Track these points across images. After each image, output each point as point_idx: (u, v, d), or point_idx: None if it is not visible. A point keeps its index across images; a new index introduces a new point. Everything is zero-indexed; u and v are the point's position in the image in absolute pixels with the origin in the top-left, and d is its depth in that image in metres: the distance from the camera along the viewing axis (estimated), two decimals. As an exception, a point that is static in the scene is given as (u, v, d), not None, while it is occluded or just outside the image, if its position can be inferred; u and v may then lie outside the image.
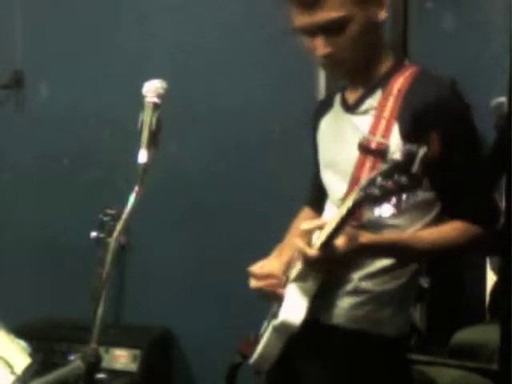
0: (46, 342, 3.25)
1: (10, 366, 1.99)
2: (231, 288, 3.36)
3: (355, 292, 1.92)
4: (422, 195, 1.86)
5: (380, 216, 1.69)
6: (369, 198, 1.59)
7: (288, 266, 2.05)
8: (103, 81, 3.54)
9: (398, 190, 1.54)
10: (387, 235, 1.87)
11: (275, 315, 1.96)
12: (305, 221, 2.13)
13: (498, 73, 2.77)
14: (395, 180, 1.53)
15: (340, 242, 1.76)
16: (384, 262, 1.90)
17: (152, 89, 1.76)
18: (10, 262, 3.66)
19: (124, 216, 1.66)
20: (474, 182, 1.86)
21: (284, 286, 1.99)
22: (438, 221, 1.90)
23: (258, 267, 2.07)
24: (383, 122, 1.86)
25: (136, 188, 1.67)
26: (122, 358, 3.23)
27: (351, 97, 2.00)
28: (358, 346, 1.91)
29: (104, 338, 1.63)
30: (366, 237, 1.80)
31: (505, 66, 2.22)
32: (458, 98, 1.88)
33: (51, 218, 3.63)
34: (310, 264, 1.82)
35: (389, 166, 1.55)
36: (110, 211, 3.33)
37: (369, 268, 1.91)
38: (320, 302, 1.91)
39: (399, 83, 1.88)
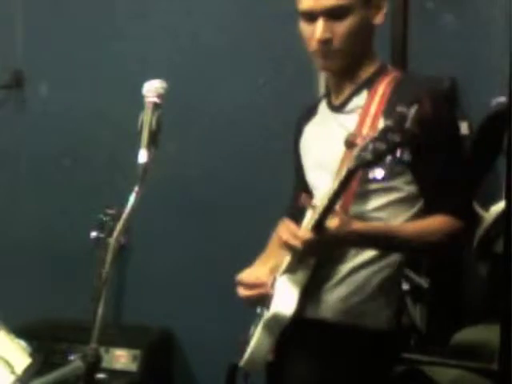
0: (46, 342, 3.25)
1: (11, 366, 1.99)
2: (231, 288, 3.35)
3: (342, 285, 1.94)
4: (406, 190, 1.92)
5: (373, 179, 1.75)
6: (362, 164, 1.62)
7: (275, 270, 2.05)
8: (103, 81, 3.54)
9: (390, 149, 1.57)
10: (376, 224, 1.91)
11: (264, 315, 1.96)
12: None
13: (497, 73, 2.77)
14: (388, 140, 1.56)
15: (332, 223, 1.78)
16: (368, 254, 1.94)
17: (152, 89, 1.76)
18: (10, 262, 3.66)
19: (124, 216, 1.66)
20: (455, 180, 1.93)
21: (272, 286, 1.99)
22: (420, 216, 1.95)
23: (245, 275, 2.07)
24: (369, 120, 1.91)
25: (136, 188, 1.67)
26: (121, 358, 3.23)
27: (337, 99, 2.05)
28: (345, 339, 1.93)
29: (104, 337, 1.63)
30: (357, 224, 1.84)
31: (505, 66, 2.22)
32: (442, 98, 1.95)
33: (51, 218, 3.63)
34: (304, 246, 1.82)
35: (380, 130, 1.58)
36: (110, 211, 3.33)
37: (354, 261, 1.94)
38: (307, 297, 1.93)
39: (384, 85, 1.95)
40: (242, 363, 2.06)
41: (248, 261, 3.28)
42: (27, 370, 2.03)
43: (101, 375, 1.67)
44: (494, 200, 2.66)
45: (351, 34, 1.92)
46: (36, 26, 3.65)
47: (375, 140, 1.59)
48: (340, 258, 1.94)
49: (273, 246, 2.22)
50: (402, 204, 1.93)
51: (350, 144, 1.81)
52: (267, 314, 1.93)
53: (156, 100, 1.74)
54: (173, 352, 3.50)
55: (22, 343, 2.16)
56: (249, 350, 2.01)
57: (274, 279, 1.99)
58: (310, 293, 1.93)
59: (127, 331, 3.42)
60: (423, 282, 2.75)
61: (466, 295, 2.94)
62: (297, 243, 1.81)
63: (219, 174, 3.41)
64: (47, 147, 3.64)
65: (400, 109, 1.58)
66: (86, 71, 3.57)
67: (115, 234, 1.67)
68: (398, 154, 1.57)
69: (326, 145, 2.03)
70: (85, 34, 3.57)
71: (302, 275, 1.91)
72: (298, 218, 2.10)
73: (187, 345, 3.49)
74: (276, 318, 1.91)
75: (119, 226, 1.66)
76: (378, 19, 1.98)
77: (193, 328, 3.43)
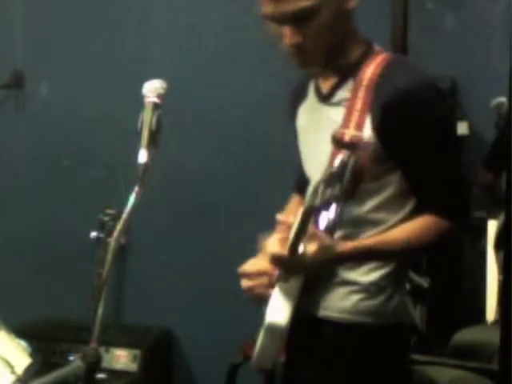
0: (46, 342, 3.25)
1: (11, 366, 1.99)
2: (231, 288, 3.35)
3: (342, 283, 1.92)
4: (400, 186, 1.88)
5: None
6: (313, 208, 1.63)
7: None
8: (103, 81, 3.54)
9: (333, 200, 1.58)
10: (362, 241, 1.87)
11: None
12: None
13: (497, 73, 2.77)
14: (331, 190, 1.57)
15: (311, 248, 1.76)
16: None
17: (152, 89, 1.75)
18: (10, 262, 3.66)
19: (124, 216, 1.66)
20: (442, 179, 1.86)
21: (273, 284, 1.98)
22: (415, 212, 1.90)
23: (247, 265, 2.05)
24: (356, 114, 1.84)
25: (136, 188, 1.67)
26: (122, 358, 3.23)
27: (324, 85, 1.97)
28: (348, 336, 1.92)
29: (104, 337, 1.63)
30: (343, 246, 1.81)
31: (505, 66, 2.22)
32: (429, 88, 1.85)
33: (51, 218, 3.63)
34: (282, 266, 1.82)
35: (326, 175, 1.60)
36: (110, 211, 3.33)
37: None
38: (308, 296, 1.91)
39: (370, 71, 1.86)
40: (252, 362, 2.05)
41: (248, 260, 3.26)
42: (27, 370, 2.03)
43: (101, 375, 1.66)
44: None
45: (322, 33, 1.82)
46: (36, 26, 3.65)
47: (324, 183, 1.59)
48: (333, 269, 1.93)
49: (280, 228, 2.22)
50: (398, 201, 1.89)
51: (336, 142, 1.74)
52: (264, 322, 1.93)
53: (156, 100, 1.74)
54: (173, 352, 3.50)
55: (22, 343, 2.16)
56: (256, 350, 2.00)
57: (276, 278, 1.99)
58: (312, 292, 1.92)
59: (127, 331, 3.42)
60: (423, 282, 2.76)
61: (466, 295, 2.94)
62: (276, 264, 1.81)
63: (219, 174, 3.41)
64: (47, 147, 3.64)
65: (342, 156, 1.57)
66: (86, 71, 3.57)
67: (115, 234, 1.66)
68: (338, 206, 1.60)
69: (314, 139, 1.99)
70: (85, 34, 3.57)
71: (294, 283, 1.89)
72: (303, 191, 2.10)
73: (187, 345, 3.49)
74: (272, 327, 1.90)
75: (119, 226, 1.66)
76: (351, 3, 1.84)
77: (193, 328, 3.43)
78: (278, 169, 3.31)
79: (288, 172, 3.14)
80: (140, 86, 1.77)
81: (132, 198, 1.66)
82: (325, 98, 1.97)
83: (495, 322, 2.82)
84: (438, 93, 1.88)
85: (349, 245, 1.84)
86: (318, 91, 2.00)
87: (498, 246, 2.82)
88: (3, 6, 3.67)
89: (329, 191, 1.56)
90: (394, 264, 1.93)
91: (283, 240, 1.80)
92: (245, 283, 2.02)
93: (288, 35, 1.83)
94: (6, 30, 3.67)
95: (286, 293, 1.89)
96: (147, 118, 1.73)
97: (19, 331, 2.28)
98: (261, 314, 2.05)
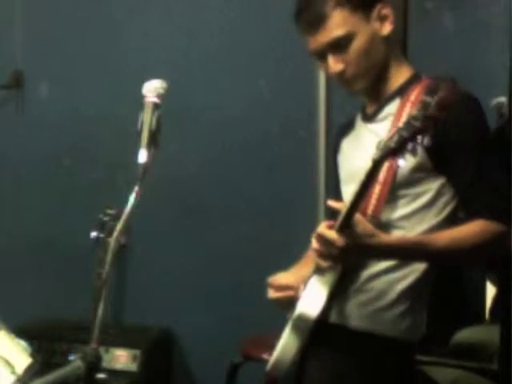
0: (47, 342, 3.25)
1: (11, 366, 1.99)
2: (231, 288, 3.36)
3: (362, 291, 1.93)
4: (433, 196, 1.90)
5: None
6: (386, 153, 1.63)
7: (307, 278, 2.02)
8: (103, 81, 3.54)
9: (412, 135, 1.59)
10: (408, 236, 1.88)
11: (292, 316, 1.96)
12: None
13: (498, 73, 2.77)
14: (410, 127, 1.59)
15: (358, 229, 1.73)
16: (390, 261, 1.90)
17: (152, 89, 1.76)
18: (11, 262, 3.66)
19: (124, 216, 1.66)
20: (491, 181, 1.87)
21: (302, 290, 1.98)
22: (447, 224, 1.90)
23: (276, 277, 2.07)
24: None
25: (136, 188, 1.67)
26: (122, 358, 3.23)
27: (370, 109, 2.05)
28: (363, 345, 1.92)
29: (104, 337, 1.63)
30: (389, 237, 1.81)
31: (505, 66, 2.22)
32: (469, 101, 1.90)
33: (51, 218, 3.64)
34: (329, 249, 1.76)
35: (405, 120, 1.62)
36: (110, 211, 3.33)
37: (375, 267, 1.92)
38: (332, 301, 1.92)
39: (417, 92, 1.93)
40: (267, 368, 2.03)
41: (248, 260, 3.28)
42: (27, 370, 2.03)
43: (101, 375, 1.67)
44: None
45: (361, 57, 1.94)
46: (36, 26, 3.65)
47: (400, 130, 1.61)
48: (361, 264, 1.92)
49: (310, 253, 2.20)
50: (427, 211, 1.91)
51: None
52: (294, 314, 1.92)
53: (156, 100, 1.74)
54: (173, 352, 3.50)
55: (22, 343, 2.16)
56: (275, 352, 1.99)
57: (306, 283, 1.98)
58: (333, 297, 1.92)
59: (127, 331, 3.43)
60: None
61: (466, 295, 2.94)
62: (325, 240, 1.76)
63: (219, 174, 3.41)
64: (47, 147, 3.64)
65: (424, 98, 1.60)
66: (85, 71, 3.57)
67: (115, 233, 1.67)
68: (419, 140, 1.59)
69: (357, 154, 2.01)
70: (85, 34, 3.58)
71: (330, 276, 1.89)
72: None
73: (187, 344, 3.50)
74: (301, 318, 1.91)
75: (119, 226, 1.66)
76: (386, 30, 1.97)
77: (193, 328, 3.43)
78: (278, 169, 3.31)
79: (287, 172, 3.14)
80: (140, 86, 1.77)
81: (132, 198, 1.67)
82: (370, 117, 2.03)
83: (491, 322, 2.82)
84: (478, 104, 1.92)
85: (394, 237, 1.85)
86: (364, 115, 2.07)
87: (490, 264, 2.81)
88: (3, 5, 3.67)
89: (405, 131, 1.58)
90: (417, 277, 1.93)
91: (331, 225, 1.77)
92: (271, 294, 2.05)
93: (331, 65, 1.97)
94: (6, 30, 3.67)
95: (321, 285, 1.90)
96: (147, 118, 1.73)
97: (19, 331, 2.28)
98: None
